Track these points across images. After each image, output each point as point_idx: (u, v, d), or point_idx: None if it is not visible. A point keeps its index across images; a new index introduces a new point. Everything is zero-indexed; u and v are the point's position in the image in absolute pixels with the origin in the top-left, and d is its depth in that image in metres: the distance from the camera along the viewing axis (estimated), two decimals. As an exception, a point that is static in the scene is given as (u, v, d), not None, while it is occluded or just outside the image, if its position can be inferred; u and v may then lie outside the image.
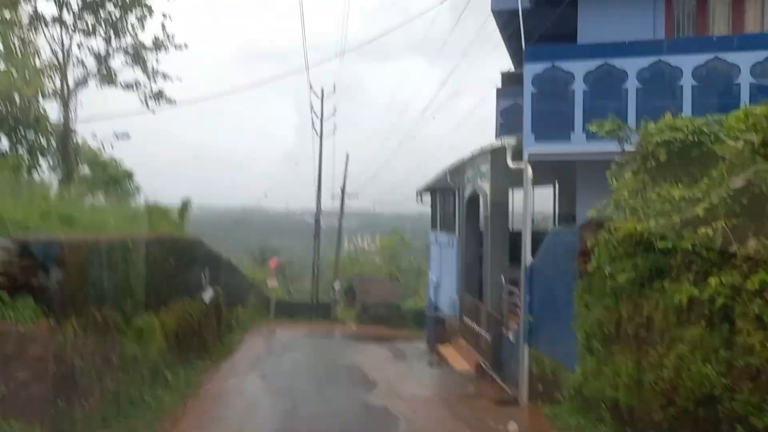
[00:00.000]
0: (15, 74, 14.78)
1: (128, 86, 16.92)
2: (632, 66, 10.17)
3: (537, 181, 11.05)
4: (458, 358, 15.60)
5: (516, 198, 14.92)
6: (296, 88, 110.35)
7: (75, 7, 15.69)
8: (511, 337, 11.91)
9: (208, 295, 14.92)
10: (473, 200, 15.84)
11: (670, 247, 5.84)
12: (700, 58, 9.87)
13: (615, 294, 6.97)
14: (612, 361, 6.98)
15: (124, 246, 9.36)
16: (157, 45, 16.68)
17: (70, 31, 15.90)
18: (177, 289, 12.53)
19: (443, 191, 19.87)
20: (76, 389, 7.31)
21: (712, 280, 5.09)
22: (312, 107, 33.99)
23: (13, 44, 15.15)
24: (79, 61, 16.25)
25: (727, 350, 4.98)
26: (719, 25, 11.17)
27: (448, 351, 16.68)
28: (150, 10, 16.26)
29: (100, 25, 16.09)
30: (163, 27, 16.56)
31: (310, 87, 33.83)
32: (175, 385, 10.71)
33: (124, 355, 8.91)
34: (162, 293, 11.28)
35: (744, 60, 9.66)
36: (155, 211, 14.00)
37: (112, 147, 17.35)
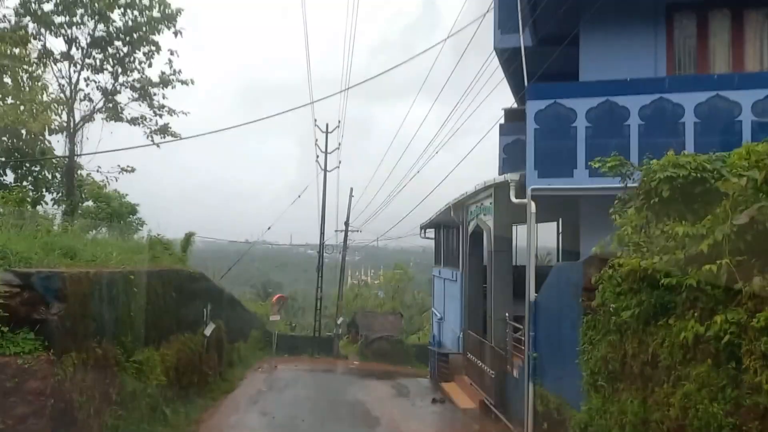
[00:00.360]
0: (23, 109, 14.98)
1: (134, 120, 17.10)
2: (634, 103, 10.24)
3: (540, 216, 11.03)
4: (462, 395, 15.40)
5: (520, 233, 14.91)
6: (301, 124, 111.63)
7: (83, 44, 15.96)
8: (515, 373, 11.76)
9: (209, 329, 14.82)
10: (477, 235, 15.81)
11: (675, 284, 5.79)
12: (702, 96, 9.94)
13: (620, 330, 6.90)
14: (618, 399, 6.88)
15: (126, 279, 9.35)
16: (164, 81, 16.88)
17: (78, 67, 16.14)
18: (178, 323, 12.46)
19: (447, 226, 19.86)
20: (74, 424, 7.22)
21: (718, 318, 5.03)
22: (317, 142, 34.22)
23: (22, 79, 15.38)
24: (86, 96, 16.47)
25: (734, 389, 4.90)
26: (719, 63, 11.27)
27: (451, 388, 16.47)
28: (157, 46, 16.50)
29: (108, 61, 16.33)
30: (170, 63, 16.80)
31: (315, 122, 34.08)
32: (175, 421, 10.58)
33: (124, 390, 8.82)
34: (163, 327, 11.21)
35: (745, 98, 9.72)
36: (158, 245, 14.02)
37: (117, 180, 17.49)
